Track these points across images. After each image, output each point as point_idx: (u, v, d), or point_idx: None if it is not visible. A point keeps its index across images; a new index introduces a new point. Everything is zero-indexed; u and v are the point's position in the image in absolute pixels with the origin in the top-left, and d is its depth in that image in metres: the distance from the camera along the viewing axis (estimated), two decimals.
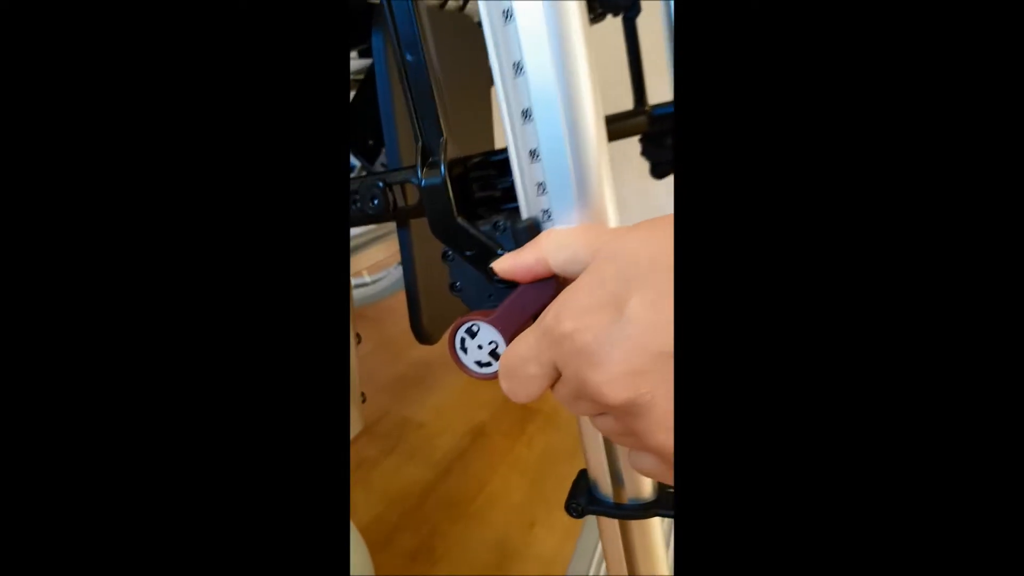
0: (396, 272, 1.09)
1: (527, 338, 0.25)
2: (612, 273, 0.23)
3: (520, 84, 0.27)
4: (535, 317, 0.26)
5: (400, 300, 0.98)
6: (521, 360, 0.25)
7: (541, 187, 0.27)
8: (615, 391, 0.22)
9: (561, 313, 0.23)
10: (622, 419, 0.23)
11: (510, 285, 0.28)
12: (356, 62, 0.70)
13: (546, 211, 0.27)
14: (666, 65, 0.74)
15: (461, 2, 0.59)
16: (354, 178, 0.40)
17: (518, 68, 0.27)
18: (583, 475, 0.33)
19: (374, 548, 0.54)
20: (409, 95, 0.31)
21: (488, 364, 0.28)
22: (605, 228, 0.28)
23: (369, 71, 0.64)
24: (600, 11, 0.72)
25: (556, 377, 0.25)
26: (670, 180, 0.78)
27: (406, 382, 1.02)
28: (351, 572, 0.50)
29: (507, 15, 0.27)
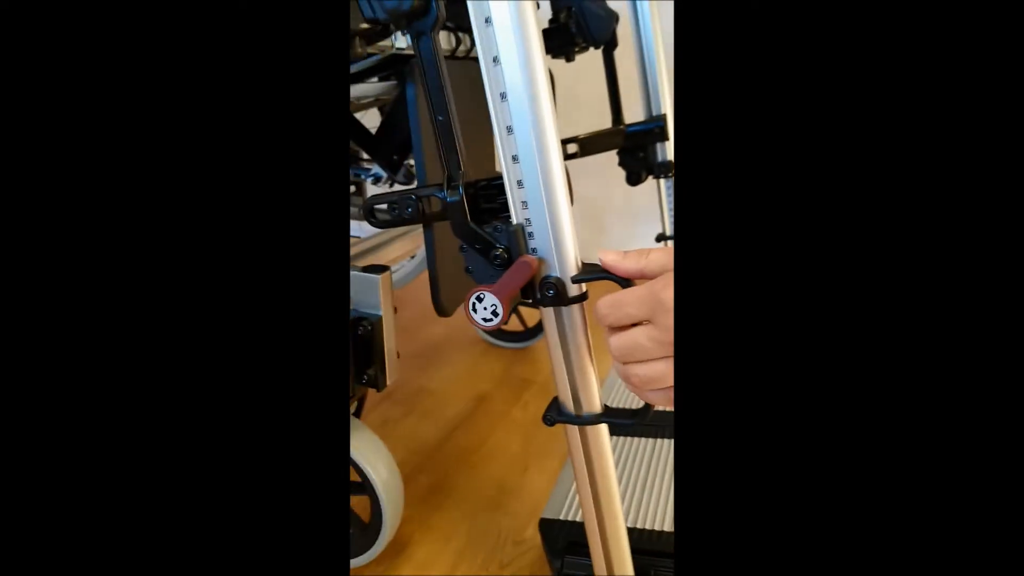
0: (409, 265, 1.22)
1: (633, 293, 0.37)
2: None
3: (497, 71, 0.40)
4: (520, 288, 0.41)
5: (413, 288, 1.12)
6: (626, 304, 0.37)
7: (524, 204, 0.41)
8: None
9: (663, 290, 0.35)
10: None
11: (504, 268, 0.42)
12: (379, 85, 0.82)
13: (527, 219, 0.41)
14: (638, 90, 0.87)
15: (468, 46, 0.72)
16: (393, 191, 0.53)
17: (496, 60, 0.40)
18: (555, 400, 0.47)
19: None
20: (439, 141, 0.45)
21: (490, 320, 0.42)
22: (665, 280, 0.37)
23: (396, 99, 0.77)
24: (584, 44, 0.84)
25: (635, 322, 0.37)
26: (647, 184, 0.91)
27: (421, 358, 1.16)
28: (390, 495, 0.64)
29: (488, 21, 0.40)
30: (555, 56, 0.83)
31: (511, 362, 1.15)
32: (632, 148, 0.87)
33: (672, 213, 0.89)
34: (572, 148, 0.86)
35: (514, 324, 1.18)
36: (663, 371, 0.36)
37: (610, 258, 0.40)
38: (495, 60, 0.40)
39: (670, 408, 0.38)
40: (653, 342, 0.36)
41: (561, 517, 0.63)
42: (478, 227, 0.43)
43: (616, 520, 0.50)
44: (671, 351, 0.35)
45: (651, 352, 0.36)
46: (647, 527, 0.60)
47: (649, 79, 0.85)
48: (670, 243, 0.89)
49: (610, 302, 0.38)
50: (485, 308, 0.41)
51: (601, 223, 1.56)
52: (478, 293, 0.41)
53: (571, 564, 0.57)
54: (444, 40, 0.75)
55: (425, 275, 0.73)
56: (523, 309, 1.18)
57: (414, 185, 0.74)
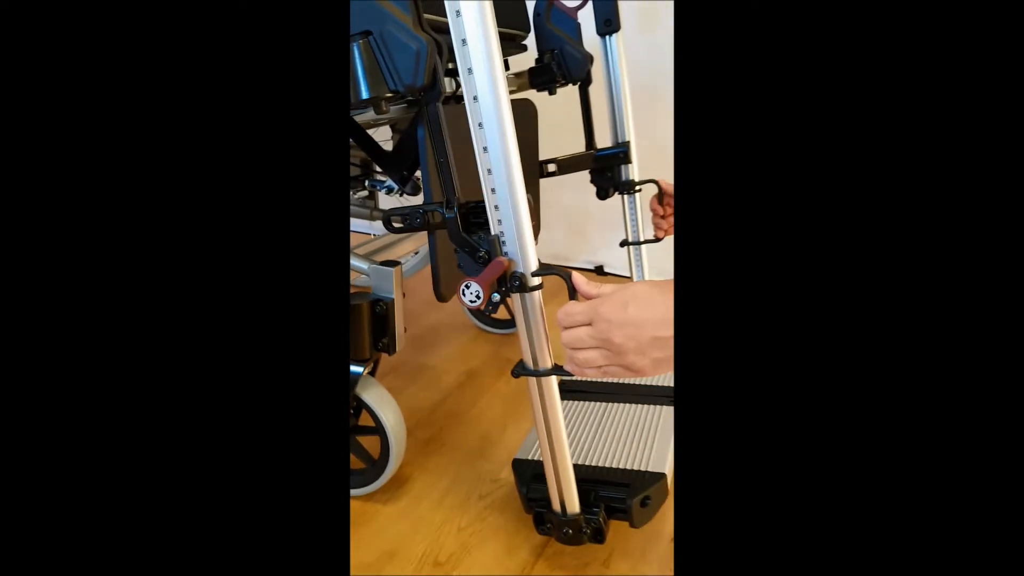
0: (414, 259, 1.39)
1: (580, 306, 0.54)
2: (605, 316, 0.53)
3: (470, 80, 0.55)
4: (495, 279, 0.59)
5: (415, 281, 1.30)
6: (576, 313, 0.55)
7: (499, 222, 0.59)
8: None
9: (600, 305, 0.53)
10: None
11: (485, 265, 0.60)
12: (393, 109, 0.98)
13: (502, 231, 0.60)
14: (607, 121, 1.04)
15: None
16: (406, 205, 0.72)
17: (463, 42, 0.54)
18: (520, 361, 0.66)
19: None
20: (439, 174, 0.63)
21: (474, 301, 0.60)
22: (604, 296, 0.54)
23: (409, 124, 0.94)
24: (563, 81, 0.98)
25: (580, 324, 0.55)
26: (616, 197, 1.08)
27: (422, 339, 1.37)
28: (397, 436, 0.82)
29: (470, 71, 0.55)
30: (539, 90, 1.00)
31: (498, 345, 1.33)
32: (601, 169, 1.03)
33: (633, 223, 1.07)
34: (552, 167, 1.04)
35: (502, 313, 1.36)
36: (595, 356, 0.55)
37: (579, 279, 0.59)
38: (475, 98, 0.57)
39: (600, 378, 0.56)
40: (590, 337, 0.54)
41: (529, 457, 0.82)
42: (468, 236, 0.62)
43: (563, 452, 0.68)
44: (600, 344, 0.54)
45: (588, 343, 0.55)
46: (592, 463, 0.78)
47: (616, 110, 1.01)
48: (634, 249, 1.07)
49: (566, 311, 0.57)
50: (471, 293, 0.59)
51: (580, 228, 1.73)
52: (466, 283, 0.59)
53: (534, 490, 0.75)
54: (448, 84, 0.93)
55: (427, 270, 0.90)
56: (510, 300, 1.36)
57: (420, 198, 0.91)
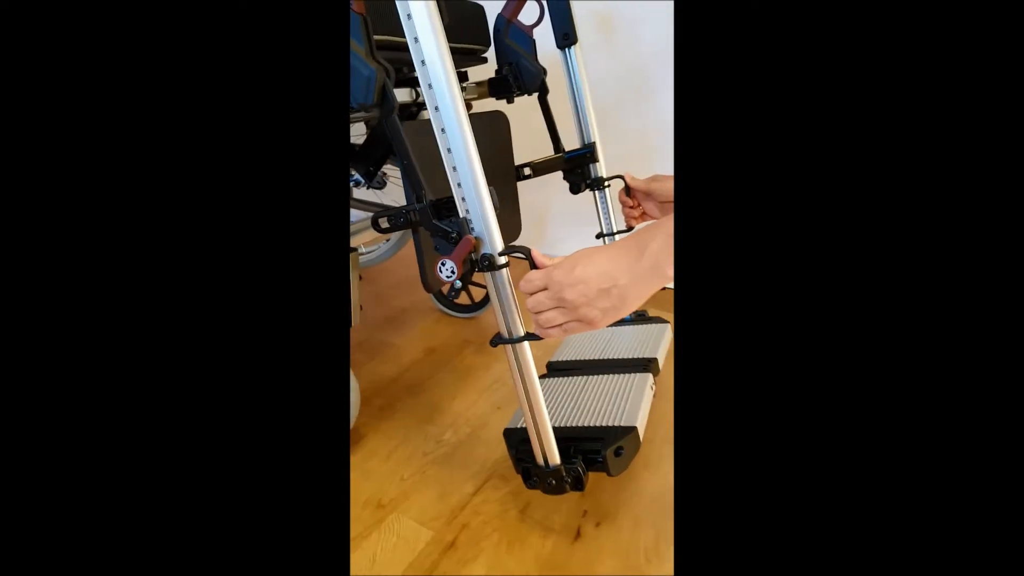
0: (384, 247, 1.48)
1: (538, 273, 0.64)
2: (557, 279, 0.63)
3: (431, 94, 0.64)
4: (466, 255, 0.69)
5: (388, 266, 1.40)
6: (534, 279, 0.66)
7: (467, 211, 0.70)
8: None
9: (553, 271, 0.64)
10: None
11: (456, 244, 0.71)
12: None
13: (467, 211, 0.70)
14: (573, 125, 1.14)
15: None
16: (391, 208, 0.82)
17: (422, 63, 0.62)
18: (497, 333, 0.76)
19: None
20: (407, 179, 0.73)
21: (450, 276, 0.70)
22: (556, 264, 0.65)
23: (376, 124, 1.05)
24: (520, 92, 1.09)
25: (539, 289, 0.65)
26: (581, 196, 1.18)
27: (389, 320, 1.49)
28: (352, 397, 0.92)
29: (430, 86, 0.65)
30: (498, 99, 1.11)
31: (459, 328, 1.45)
32: (572, 168, 1.14)
33: (606, 216, 1.17)
34: (527, 171, 1.15)
35: (463, 299, 1.49)
36: (555, 315, 0.65)
37: (537, 253, 0.69)
38: (436, 108, 0.65)
39: (563, 337, 0.65)
40: (548, 299, 0.65)
41: (517, 426, 0.91)
42: (439, 222, 0.72)
43: (540, 409, 0.77)
44: (557, 303, 0.64)
45: (547, 305, 0.65)
46: (570, 424, 0.87)
47: (580, 114, 1.11)
48: (601, 240, 1.16)
49: (526, 279, 0.67)
50: (447, 269, 0.69)
51: (542, 223, 1.82)
52: (442, 260, 0.69)
53: (522, 451, 0.84)
54: (408, 94, 1.03)
55: (396, 255, 1.00)
56: (471, 288, 1.48)
57: (389, 193, 0.98)
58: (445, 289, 1.42)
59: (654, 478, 0.87)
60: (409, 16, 0.62)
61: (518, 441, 0.87)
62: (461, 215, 0.70)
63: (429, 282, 0.93)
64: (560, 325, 0.65)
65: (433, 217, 0.72)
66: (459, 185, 0.69)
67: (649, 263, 0.58)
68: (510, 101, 1.10)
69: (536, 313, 0.66)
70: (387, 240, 1.47)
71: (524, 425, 0.84)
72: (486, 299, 1.40)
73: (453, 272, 0.69)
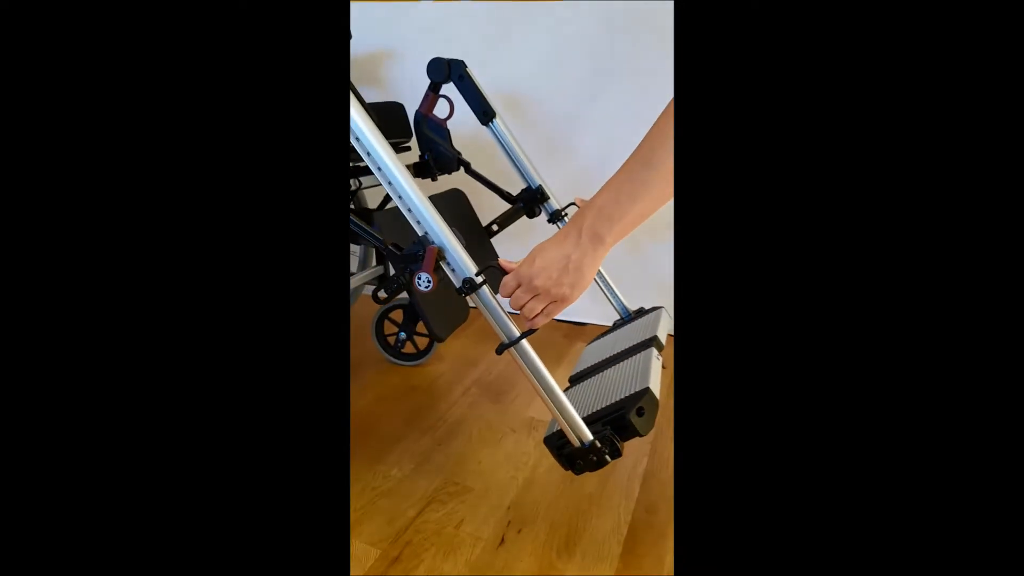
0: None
1: (510, 275, 0.74)
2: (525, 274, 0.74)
3: (382, 175, 0.80)
4: (434, 263, 0.78)
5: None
6: (508, 281, 0.75)
7: (419, 225, 0.80)
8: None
9: (520, 268, 0.74)
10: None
11: (423, 256, 0.79)
12: None
13: (424, 233, 0.80)
14: (518, 176, 1.27)
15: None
16: (387, 279, 0.92)
17: (379, 169, 0.80)
18: (501, 343, 0.82)
19: None
20: (363, 236, 0.85)
21: (426, 287, 0.79)
22: (520, 263, 0.76)
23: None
24: (440, 172, 1.25)
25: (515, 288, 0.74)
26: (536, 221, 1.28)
27: None
28: None
29: (368, 154, 0.80)
30: (423, 178, 1.25)
31: (406, 375, 1.46)
32: (530, 209, 1.28)
33: None
34: (495, 227, 1.27)
35: (409, 348, 1.50)
36: (534, 304, 0.74)
37: (504, 261, 0.80)
38: (389, 183, 0.78)
39: (547, 321, 0.74)
40: (523, 293, 0.74)
41: (552, 433, 0.94)
42: (406, 251, 0.82)
43: (557, 395, 0.82)
44: (531, 292, 0.73)
45: (524, 298, 0.75)
46: (595, 409, 0.91)
47: (520, 167, 1.26)
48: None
49: (502, 284, 0.77)
50: (423, 281, 0.78)
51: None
52: (418, 274, 0.78)
53: (564, 452, 0.87)
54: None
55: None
56: (416, 337, 1.50)
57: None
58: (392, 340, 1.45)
59: (572, 486, 1.04)
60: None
61: (558, 441, 0.90)
62: (420, 234, 0.80)
63: (437, 332, 1.02)
64: (542, 311, 0.74)
65: (397, 252, 0.83)
66: (409, 211, 0.79)
67: (588, 235, 0.70)
68: (434, 179, 1.26)
69: (519, 308, 0.75)
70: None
71: (558, 428, 0.88)
72: (430, 347, 1.47)
73: (429, 283, 0.78)
